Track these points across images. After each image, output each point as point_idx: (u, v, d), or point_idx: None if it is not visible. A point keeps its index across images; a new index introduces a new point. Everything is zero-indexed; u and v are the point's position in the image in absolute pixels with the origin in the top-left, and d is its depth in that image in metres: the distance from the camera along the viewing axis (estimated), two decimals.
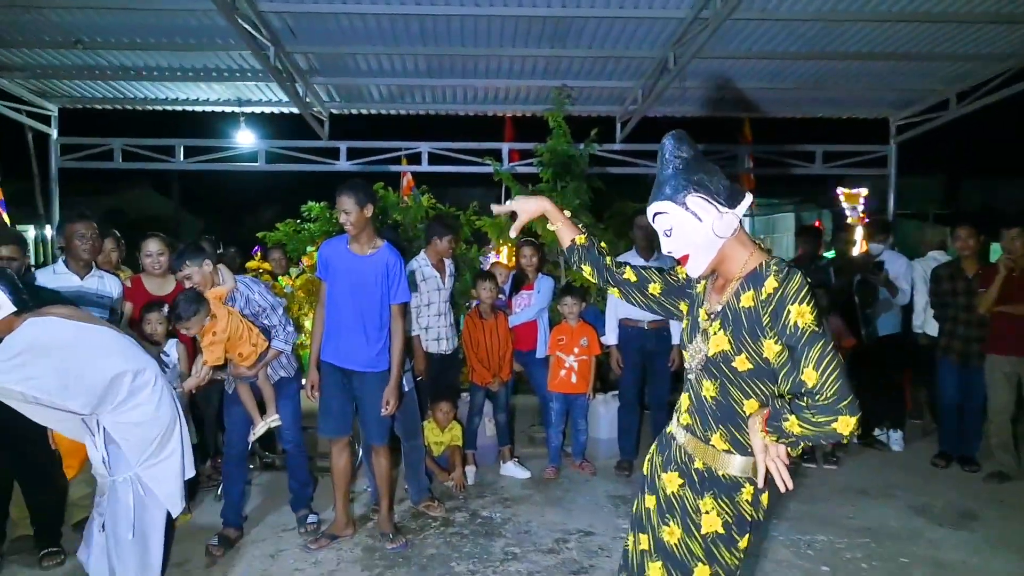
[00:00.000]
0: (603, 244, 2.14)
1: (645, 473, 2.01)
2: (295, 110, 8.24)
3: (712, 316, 1.80)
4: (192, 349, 4.31)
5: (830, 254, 7.65)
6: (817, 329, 1.60)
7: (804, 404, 1.59)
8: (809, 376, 1.58)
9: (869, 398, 5.67)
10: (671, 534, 1.84)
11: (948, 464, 5.13)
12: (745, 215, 1.78)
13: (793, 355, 1.62)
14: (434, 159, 9.12)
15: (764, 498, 1.82)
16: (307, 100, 7.95)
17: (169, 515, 3.05)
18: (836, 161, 9.53)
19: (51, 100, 8.48)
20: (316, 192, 7.28)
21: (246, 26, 5.56)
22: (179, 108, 8.56)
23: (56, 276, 3.95)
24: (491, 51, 6.70)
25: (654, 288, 2.04)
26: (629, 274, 2.07)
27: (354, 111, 8.83)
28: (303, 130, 8.75)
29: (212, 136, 9.26)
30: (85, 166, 8.83)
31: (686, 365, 1.92)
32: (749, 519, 1.79)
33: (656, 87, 7.00)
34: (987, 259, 6.35)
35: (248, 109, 8.50)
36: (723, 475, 1.78)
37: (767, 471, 1.69)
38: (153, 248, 4.42)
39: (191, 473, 3.12)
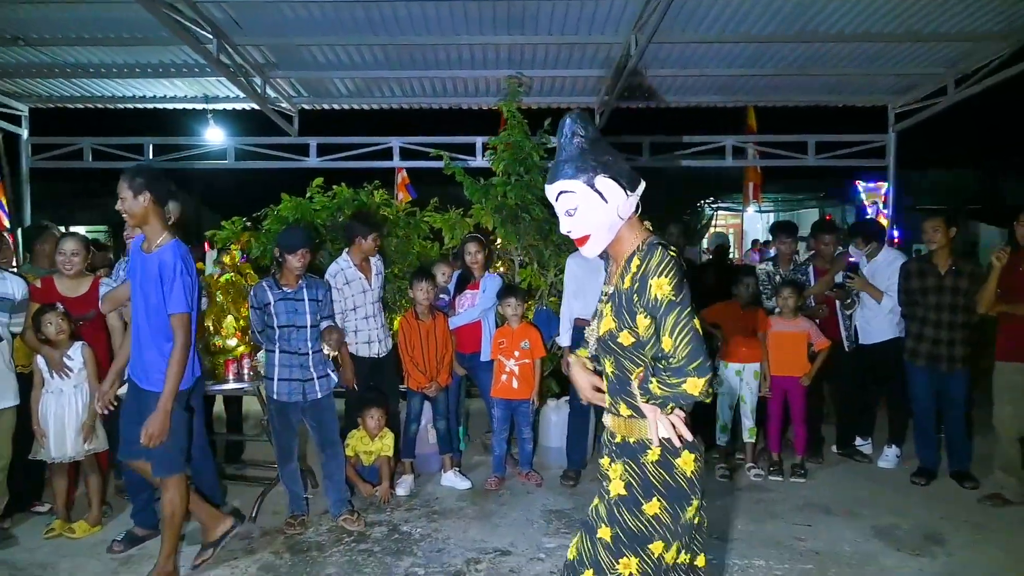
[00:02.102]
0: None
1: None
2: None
3: (606, 298, 1.89)
4: (104, 352, 4.11)
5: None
6: (674, 299, 1.69)
7: (662, 367, 1.71)
8: (666, 343, 1.69)
9: (850, 406, 5.36)
10: (594, 505, 1.94)
11: (928, 482, 4.65)
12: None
13: (656, 325, 1.72)
14: (409, 154, 8.88)
15: (682, 463, 1.80)
16: (269, 96, 7.74)
17: None
18: (831, 152, 9.07)
19: (21, 100, 8.40)
20: (289, 190, 7.06)
21: (177, 18, 5.34)
22: (147, 106, 8.42)
23: None
24: (447, 39, 6.43)
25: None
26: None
27: (325, 106, 8.61)
28: (276, 127, 8.56)
29: (184, 134, 9.11)
30: (55, 166, 8.74)
31: (590, 348, 2.01)
32: (659, 482, 1.79)
33: (623, 76, 6.65)
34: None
35: (213, 106, 8.33)
36: (632, 440, 1.84)
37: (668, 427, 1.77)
38: (68, 247, 4.21)
39: None
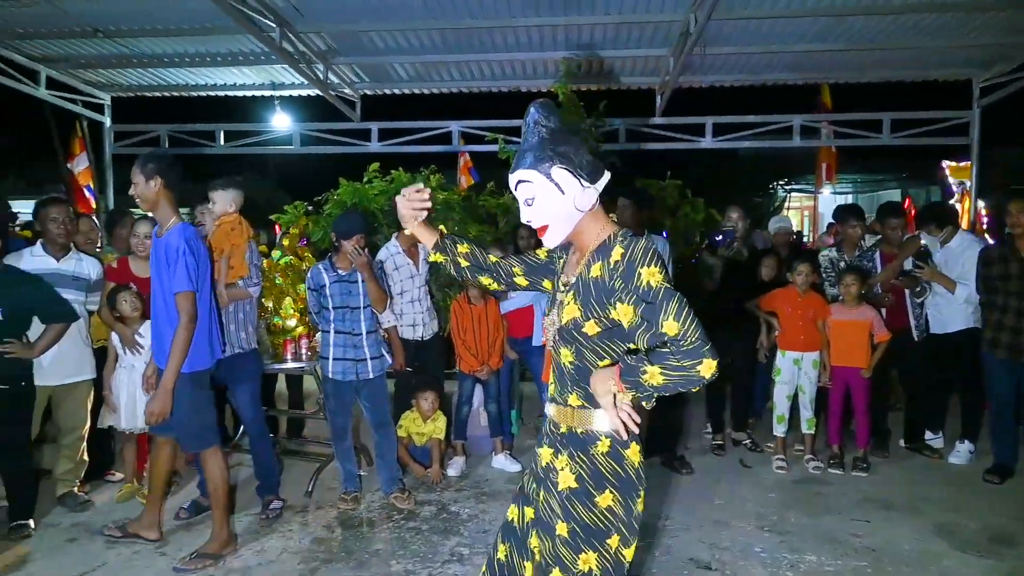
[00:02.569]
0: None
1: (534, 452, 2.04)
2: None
3: (567, 287, 1.85)
4: None
5: None
6: (669, 286, 1.66)
7: (669, 351, 1.61)
8: (671, 327, 1.61)
9: (920, 398, 5.11)
10: (542, 499, 1.88)
11: (1003, 480, 4.39)
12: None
13: (649, 312, 1.64)
14: (470, 138, 8.92)
15: (630, 454, 1.79)
16: (331, 81, 7.89)
17: None
18: (908, 130, 8.59)
19: (103, 90, 8.85)
20: (352, 174, 7.23)
21: (241, 8, 5.50)
22: (218, 94, 8.74)
23: (33, 258, 4.06)
24: (504, 22, 6.38)
25: (518, 277, 2.10)
26: (492, 260, 2.11)
27: (386, 91, 8.72)
28: (340, 112, 8.74)
29: (252, 120, 9.42)
30: (135, 151, 9.18)
31: (545, 336, 1.95)
32: (609, 473, 1.77)
33: (683, 54, 6.46)
34: None
35: (279, 93, 8.57)
36: (580, 431, 1.81)
37: (623, 422, 1.69)
38: (141, 231, 4.43)
39: None
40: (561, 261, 1.98)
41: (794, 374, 4.77)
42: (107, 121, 9.09)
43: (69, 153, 8.99)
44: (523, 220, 1.83)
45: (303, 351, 4.66)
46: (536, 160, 1.75)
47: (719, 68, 7.73)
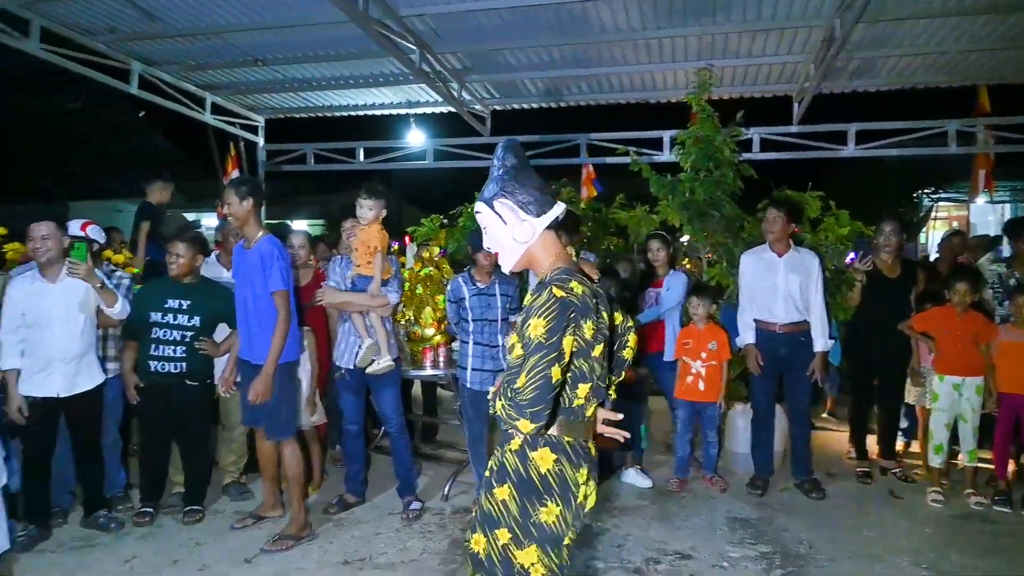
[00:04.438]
0: None
1: None
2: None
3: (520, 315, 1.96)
4: (324, 336, 4.61)
5: None
6: (543, 342, 1.75)
7: (510, 396, 1.77)
8: (520, 379, 1.75)
9: None
10: None
11: None
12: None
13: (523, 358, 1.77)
14: (596, 151, 8.96)
15: (536, 457, 1.86)
16: (464, 99, 8.18)
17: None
18: None
19: (258, 112, 9.64)
20: (482, 188, 7.46)
21: (386, 34, 5.84)
22: (358, 113, 9.28)
23: (207, 266, 4.46)
24: (635, 35, 6.38)
25: None
26: None
27: (515, 106, 8.93)
28: (470, 128, 9.03)
29: (389, 138, 9.94)
30: (283, 169, 9.92)
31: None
32: (512, 471, 1.87)
33: (826, 60, 6.18)
34: None
35: (415, 111, 8.98)
36: (508, 429, 1.89)
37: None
38: (296, 242, 4.79)
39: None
40: None
41: (954, 400, 4.43)
42: (260, 141, 9.89)
43: (225, 171, 9.85)
44: (484, 246, 2.04)
45: (441, 359, 4.84)
46: (488, 193, 1.94)
47: (864, 73, 7.33)
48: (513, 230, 1.91)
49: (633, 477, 4.79)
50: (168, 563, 3.55)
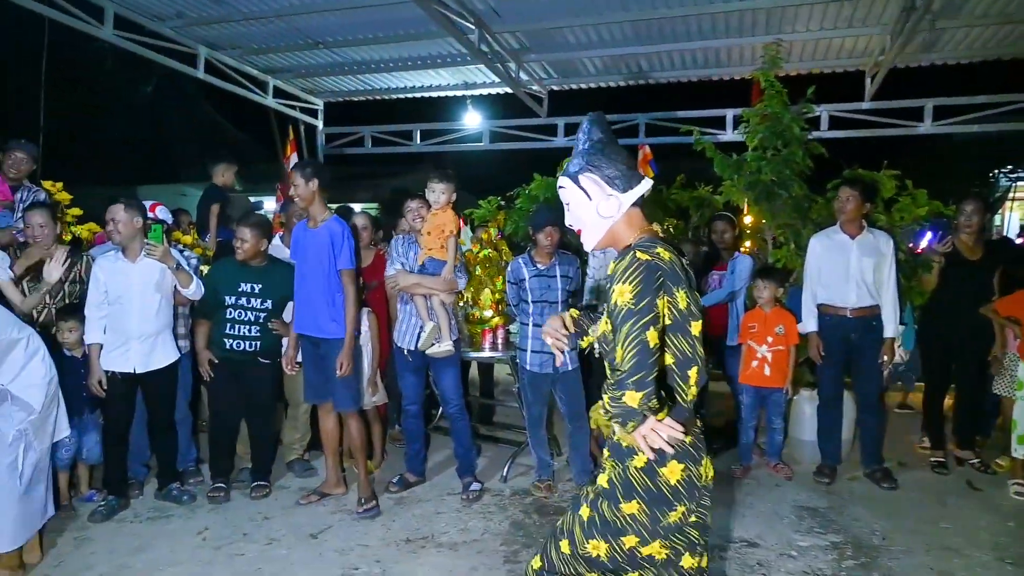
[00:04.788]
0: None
1: None
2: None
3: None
4: (384, 317, 4.66)
5: None
6: (632, 307, 1.66)
7: (612, 381, 1.70)
8: (618, 353, 1.67)
9: None
10: (590, 485, 2.01)
11: None
12: None
13: (615, 330, 1.69)
14: (654, 130, 8.78)
15: (667, 472, 1.80)
16: (521, 79, 8.10)
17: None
18: None
19: (318, 95, 9.76)
20: (537, 169, 7.40)
21: (445, 12, 5.81)
22: (415, 95, 9.30)
23: (274, 248, 4.53)
24: (701, 8, 6.18)
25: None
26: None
27: (573, 86, 8.80)
28: (527, 109, 8.96)
29: (445, 120, 9.94)
30: (342, 152, 10.04)
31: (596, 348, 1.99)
32: (640, 487, 1.82)
33: (904, 31, 5.87)
34: None
35: (471, 92, 8.96)
36: (623, 444, 1.85)
37: (649, 442, 1.70)
38: (359, 223, 4.82)
39: (63, 433, 3.42)
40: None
41: None
42: (320, 124, 10.03)
43: (284, 154, 10.01)
44: (566, 223, 1.97)
45: (499, 341, 4.83)
46: (573, 168, 1.89)
47: (943, 45, 6.94)
48: (599, 205, 1.86)
49: None
50: (239, 535, 3.66)
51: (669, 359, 1.77)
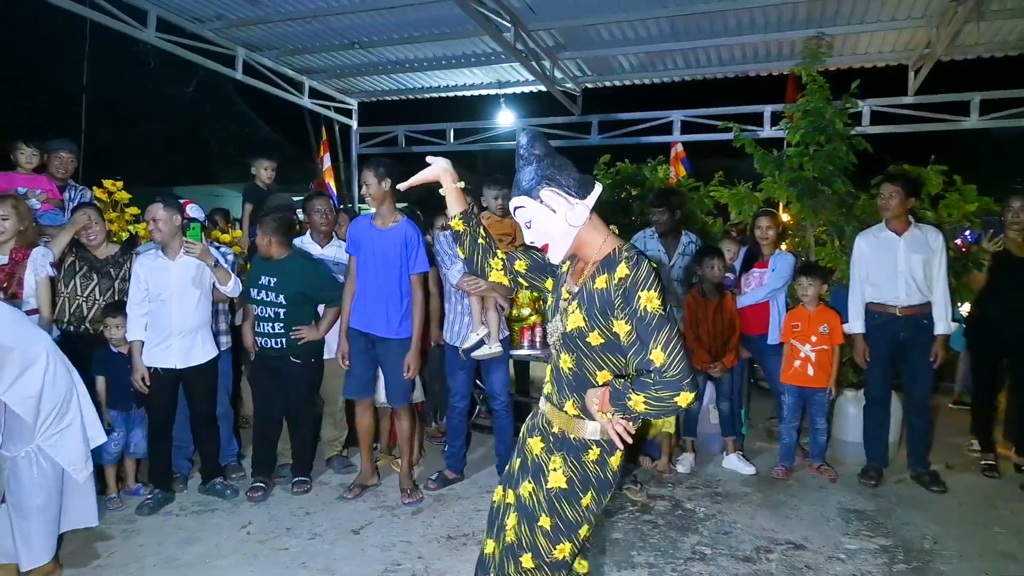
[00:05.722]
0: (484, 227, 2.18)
1: (519, 437, 2.15)
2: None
3: (571, 296, 1.94)
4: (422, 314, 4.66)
5: None
6: (664, 313, 1.76)
7: (651, 381, 1.74)
8: (657, 356, 1.73)
9: None
10: (525, 489, 1.99)
11: None
12: None
13: (642, 336, 1.76)
14: (689, 128, 8.68)
15: (613, 460, 1.95)
16: (556, 77, 8.07)
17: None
18: None
19: (352, 95, 9.82)
20: (577, 168, 7.35)
21: (481, 10, 5.80)
22: (449, 95, 9.31)
23: (303, 245, 4.55)
24: (740, 4, 6.09)
25: (520, 265, 2.15)
26: (500, 252, 2.16)
27: (607, 84, 8.74)
28: (560, 107, 8.92)
29: (478, 119, 9.94)
30: (376, 151, 10.09)
31: (548, 340, 2.04)
32: (594, 478, 1.93)
33: (952, 23, 5.72)
34: None
35: (505, 90, 8.94)
36: (574, 437, 1.94)
37: (616, 434, 1.83)
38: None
39: (99, 440, 3.19)
40: (565, 267, 2.04)
41: None
42: (354, 124, 10.09)
43: (318, 154, 10.10)
44: (526, 242, 1.96)
45: (537, 339, 4.82)
46: (527, 186, 1.89)
47: (991, 37, 6.73)
48: (566, 215, 1.86)
49: (735, 463, 4.65)
50: (282, 530, 3.69)
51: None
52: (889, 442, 4.56)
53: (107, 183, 4.78)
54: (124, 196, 4.83)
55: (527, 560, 1.94)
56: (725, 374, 4.64)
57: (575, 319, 1.88)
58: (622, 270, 1.80)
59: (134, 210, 4.83)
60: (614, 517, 3.86)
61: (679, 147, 8.93)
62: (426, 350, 4.60)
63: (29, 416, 2.87)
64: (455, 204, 2.15)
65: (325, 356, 4.38)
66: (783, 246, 6.24)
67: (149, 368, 3.89)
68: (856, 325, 4.39)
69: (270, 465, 4.30)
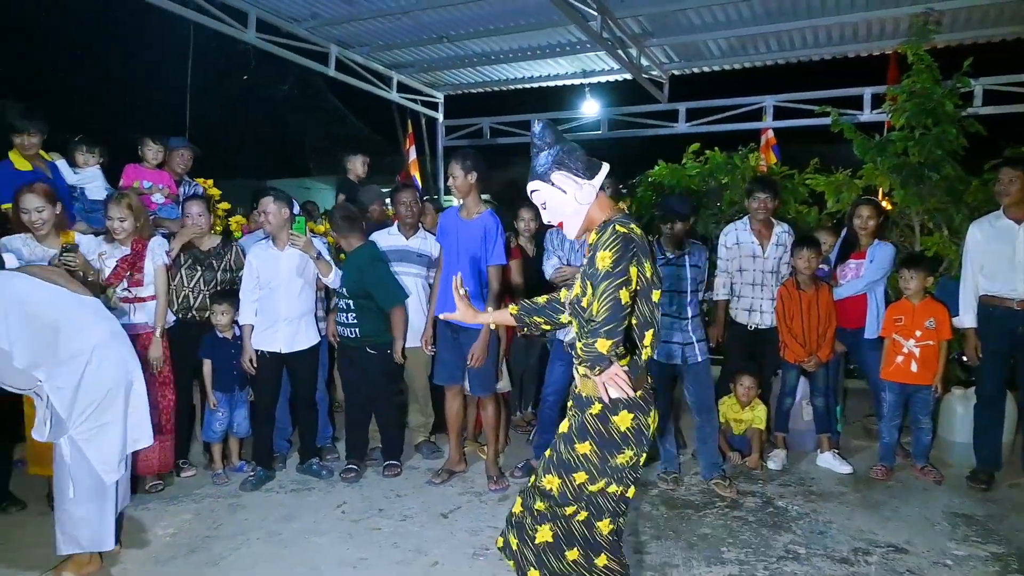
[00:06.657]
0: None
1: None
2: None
3: (581, 268, 2.18)
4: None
5: None
6: (610, 270, 1.95)
7: (587, 330, 2.01)
8: (593, 307, 1.99)
9: None
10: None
11: None
12: None
13: (594, 291, 1.99)
14: (781, 113, 8.36)
15: (618, 420, 2.11)
16: (642, 64, 7.93)
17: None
18: None
19: (438, 88, 9.98)
20: (659, 156, 7.23)
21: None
22: (533, 85, 9.33)
23: (389, 236, 4.64)
24: None
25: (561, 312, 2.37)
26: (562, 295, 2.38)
27: (695, 70, 8.53)
28: (646, 95, 8.77)
29: (562, 109, 9.90)
30: (461, 144, 10.21)
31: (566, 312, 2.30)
32: (593, 431, 2.13)
33: None
34: None
35: (590, 80, 8.87)
36: (584, 395, 2.18)
37: (606, 388, 2.02)
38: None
39: (144, 443, 3.08)
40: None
41: None
42: (440, 117, 10.26)
43: (404, 147, 10.31)
44: (544, 221, 2.26)
45: None
46: (539, 172, 2.15)
47: None
48: (576, 195, 2.12)
49: (830, 461, 4.47)
50: (375, 511, 3.83)
51: (633, 320, 2.08)
52: (1002, 443, 4.28)
53: (199, 180, 5.07)
54: (216, 192, 5.11)
55: (531, 481, 2.31)
56: (820, 368, 4.47)
57: (577, 286, 2.14)
58: (593, 236, 2.07)
59: (225, 205, 5.10)
60: (702, 511, 3.80)
61: (770, 134, 8.64)
62: (509, 341, 4.65)
63: (62, 407, 2.80)
64: (506, 321, 2.47)
65: (409, 344, 4.42)
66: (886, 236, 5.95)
67: (257, 351, 4.11)
68: (967, 319, 4.14)
69: (362, 448, 4.45)
